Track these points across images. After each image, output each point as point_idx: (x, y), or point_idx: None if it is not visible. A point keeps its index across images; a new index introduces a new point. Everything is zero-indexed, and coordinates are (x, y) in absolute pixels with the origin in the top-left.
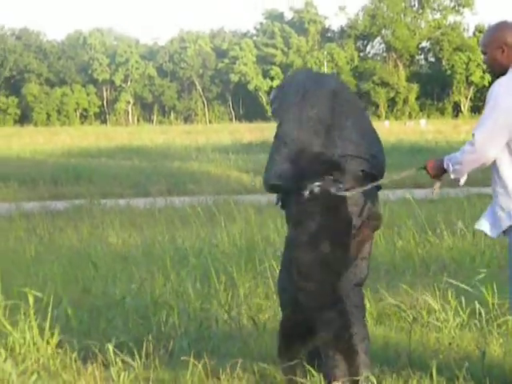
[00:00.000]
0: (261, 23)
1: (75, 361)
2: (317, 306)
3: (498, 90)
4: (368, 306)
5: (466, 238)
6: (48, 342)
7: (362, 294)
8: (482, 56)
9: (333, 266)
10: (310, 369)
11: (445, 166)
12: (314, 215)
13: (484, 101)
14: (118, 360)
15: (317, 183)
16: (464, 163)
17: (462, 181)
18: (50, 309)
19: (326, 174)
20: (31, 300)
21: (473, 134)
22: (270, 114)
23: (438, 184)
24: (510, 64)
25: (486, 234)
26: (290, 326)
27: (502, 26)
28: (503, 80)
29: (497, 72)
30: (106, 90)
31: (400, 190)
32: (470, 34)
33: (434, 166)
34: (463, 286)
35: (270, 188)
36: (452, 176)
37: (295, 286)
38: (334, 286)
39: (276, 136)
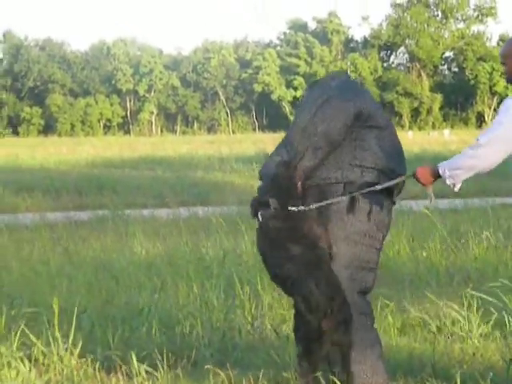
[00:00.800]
0: (284, 33)
1: (99, 371)
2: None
3: (506, 106)
4: (391, 317)
5: (490, 248)
6: (72, 353)
7: (367, 301)
8: (502, 67)
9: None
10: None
11: (440, 172)
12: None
13: None
14: (141, 370)
15: (261, 211)
16: (463, 168)
17: (457, 187)
18: (73, 319)
19: (278, 197)
20: (56, 310)
21: (477, 139)
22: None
23: (430, 190)
24: None
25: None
26: (301, 331)
27: None
28: None
29: None
30: (130, 101)
31: (423, 201)
32: (494, 43)
33: (425, 172)
34: (486, 296)
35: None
36: (448, 182)
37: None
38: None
39: (288, 130)
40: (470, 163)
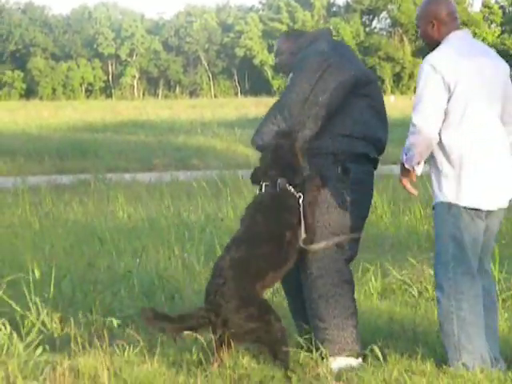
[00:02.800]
0: None
1: (80, 335)
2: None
3: (427, 70)
4: (373, 280)
5: None
6: (52, 317)
7: (350, 270)
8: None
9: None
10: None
11: (408, 165)
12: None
13: None
14: (123, 334)
15: (266, 183)
16: (412, 147)
17: (419, 170)
18: (52, 284)
19: (283, 173)
20: (37, 274)
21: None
22: (274, 75)
23: (408, 186)
24: (440, 38)
25: None
26: None
27: (427, 3)
28: (430, 58)
29: (430, 46)
30: (112, 65)
31: None
32: (476, 9)
33: (400, 177)
34: None
35: (257, 149)
36: (406, 165)
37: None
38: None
39: (283, 95)
40: (415, 141)
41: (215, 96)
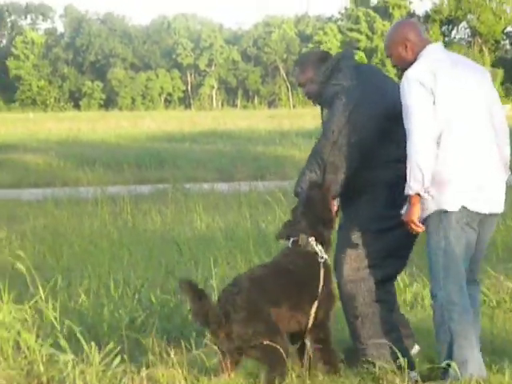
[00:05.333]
0: (345, 8)
1: (158, 345)
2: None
3: (408, 87)
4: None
5: None
6: (131, 324)
7: (386, 289)
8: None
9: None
10: None
11: (410, 193)
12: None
13: None
14: (201, 344)
15: (292, 238)
16: (414, 171)
17: (428, 194)
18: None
19: (313, 227)
20: (114, 284)
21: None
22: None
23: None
24: (414, 59)
25: None
26: None
27: (398, 25)
28: (412, 73)
29: (405, 71)
30: (191, 75)
31: None
32: None
33: (410, 212)
34: None
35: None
36: (423, 195)
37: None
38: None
39: (317, 142)
40: (414, 160)
41: (294, 106)
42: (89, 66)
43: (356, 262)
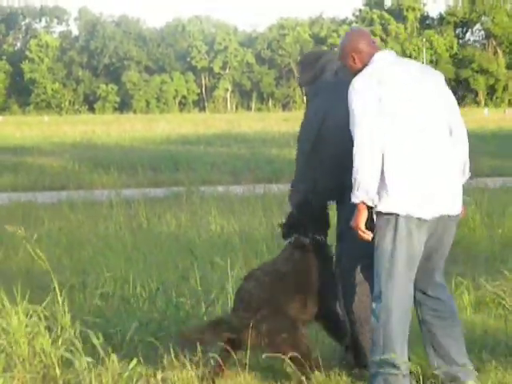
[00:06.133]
0: (359, 10)
1: (173, 347)
2: None
3: (353, 95)
4: (466, 293)
5: None
6: (147, 327)
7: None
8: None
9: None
10: None
11: (356, 201)
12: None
13: None
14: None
15: (290, 239)
16: (357, 179)
17: (373, 201)
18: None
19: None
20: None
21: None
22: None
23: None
24: (364, 66)
25: None
26: None
27: (347, 36)
28: (353, 83)
29: None
30: (205, 78)
31: (500, 178)
32: None
33: (356, 219)
34: None
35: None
36: (368, 202)
37: None
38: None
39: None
40: (360, 169)
41: None
42: (103, 68)
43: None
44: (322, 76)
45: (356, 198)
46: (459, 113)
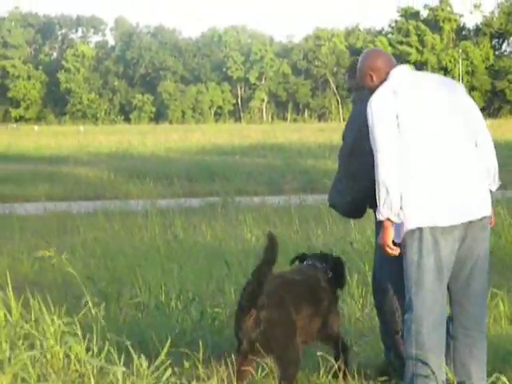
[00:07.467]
0: (395, 21)
1: (208, 358)
2: None
3: (370, 111)
4: (501, 305)
5: None
6: (182, 337)
7: None
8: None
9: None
10: None
11: (381, 217)
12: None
13: None
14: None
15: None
16: (382, 191)
17: (399, 218)
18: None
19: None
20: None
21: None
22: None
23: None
24: (381, 84)
25: None
26: None
27: (363, 56)
28: (372, 98)
29: None
30: (241, 88)
31: None
32: None
33: (383, 236)
34: None
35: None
36: (394, 218)
37: None
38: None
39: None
40: (383, 186)
41: (344, 120)
42: (139, 78)
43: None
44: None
45: (381, 215)
46: (484, 123)
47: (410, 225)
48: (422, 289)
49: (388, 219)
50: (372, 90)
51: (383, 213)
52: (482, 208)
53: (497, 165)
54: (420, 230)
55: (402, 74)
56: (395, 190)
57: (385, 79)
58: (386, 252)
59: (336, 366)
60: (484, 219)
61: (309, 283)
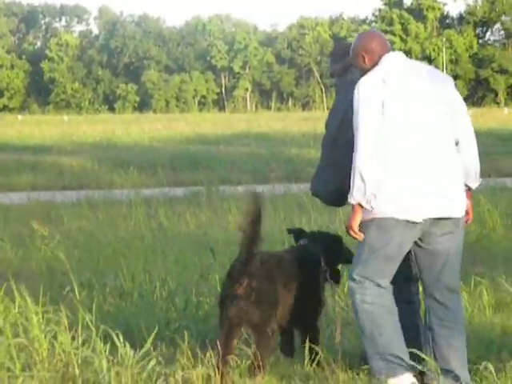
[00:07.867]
0: (379, 10)
1: (193, 347)
2: None
3: (357, 95)
4: (485, 293)
5: None
6: (166, 327)
7: (412, 289)
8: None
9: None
10: None
11: (352, 202)
12: None
13: None
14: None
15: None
16: (357, 180)
17: (371, 205)
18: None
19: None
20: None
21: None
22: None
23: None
24: (373, 67)
25: None
26: None
27: (358, 37)
28: (360, 82)
29: None
30: (225, 77)
31: None
32: None
33: (350, 219)
34: None
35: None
36: (364, 204)
37: None
38: None
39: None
40: (358, 170)
41: (328, 108)
42: (123, 68)
43: None
44: (351, 69)
45: (353, 199)
46: (468, 119)
47: (375, 212)
48: (367, 268)
49: (359, 204)
50: (363, 72)
51: (355, 197)
52: (455, 208)
53: (478, 163)
54: (383, 218)
55: (393, 60)
56: (370, 178)
57: (377, 62)
58: (349, 235)
59: (321, 354)
60: (457, 218)
61: (296, 265)
